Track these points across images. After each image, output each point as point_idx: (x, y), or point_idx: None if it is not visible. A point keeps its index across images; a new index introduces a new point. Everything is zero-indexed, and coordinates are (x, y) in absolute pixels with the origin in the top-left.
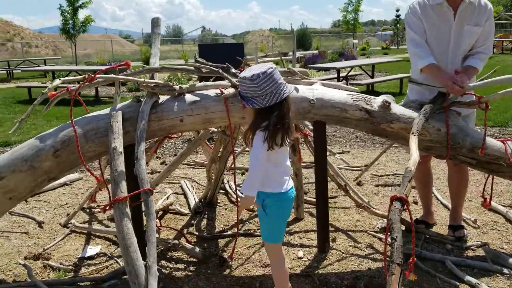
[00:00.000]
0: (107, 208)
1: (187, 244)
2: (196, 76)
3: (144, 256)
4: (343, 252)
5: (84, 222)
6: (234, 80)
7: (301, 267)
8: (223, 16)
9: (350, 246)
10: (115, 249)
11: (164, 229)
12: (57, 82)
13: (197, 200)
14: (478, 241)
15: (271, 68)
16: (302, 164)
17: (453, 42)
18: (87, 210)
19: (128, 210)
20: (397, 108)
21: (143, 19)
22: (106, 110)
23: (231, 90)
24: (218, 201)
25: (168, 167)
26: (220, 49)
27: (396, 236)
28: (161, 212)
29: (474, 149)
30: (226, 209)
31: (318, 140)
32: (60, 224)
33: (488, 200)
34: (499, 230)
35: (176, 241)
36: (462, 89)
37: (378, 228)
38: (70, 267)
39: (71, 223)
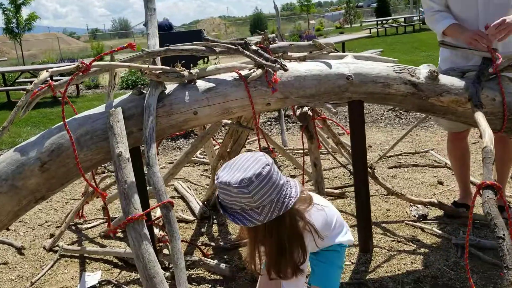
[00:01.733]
0: (117, 230)
1: (208, 259)
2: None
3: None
4: (388, 250)
5: (73, 242)
6: (258, 58)
7: (348, 273)
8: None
9: (393, 241)
10: (119, 273)
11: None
12: (44, 75)
13: (200, 203)
14: None
15: (267, 164)
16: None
17: (481, 3)
18: (73, 228)
19: (146, 230)
20: (445, 79)
21: (86, 14)
22: (100, 108)
23: (258, 72)
24: None
25: (172, 169)
26: (181, 37)
27: (503, 234)
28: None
29: None
30: None
31: (356, 122)
32: (45, 248)
33: None
34: None
35: (196, 258)
36: (488, 45)
37: (415, 216)
38: None
39: (58, 245)
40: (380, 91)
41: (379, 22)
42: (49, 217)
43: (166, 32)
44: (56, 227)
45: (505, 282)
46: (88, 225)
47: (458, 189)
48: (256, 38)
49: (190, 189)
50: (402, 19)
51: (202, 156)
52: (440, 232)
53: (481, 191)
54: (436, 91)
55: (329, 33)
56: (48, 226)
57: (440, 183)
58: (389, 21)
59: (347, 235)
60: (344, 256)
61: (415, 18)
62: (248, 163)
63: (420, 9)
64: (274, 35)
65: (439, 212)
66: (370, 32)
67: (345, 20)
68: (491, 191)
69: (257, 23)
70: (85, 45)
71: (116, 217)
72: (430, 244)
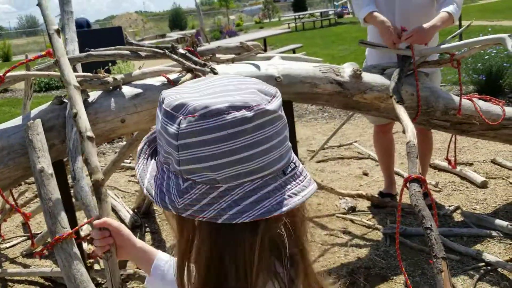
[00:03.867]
0: (44, 251)
1: (143, 271)
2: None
3: None
4: (322, 244)
5: None
6: (187, 62)
7: None
8: (81, 2)
9: (326, 235)
10: None
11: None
12: None
13: (130, 211)
14: (450, 205)
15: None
16: None
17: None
18: None
19: (76, 249)
20: (368, 76)
21: None
22: (16, 121)
23: (187, 76)
24: (154, 208)
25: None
26: (100, 35)
27: (431, 225)
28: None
29: (448, 110)
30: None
31: (288, 120)
32: None
33: (453, 161)
34: (461, 190)
35: (131, 271)
36: (396, 43)
37: (345, 209)
38: None
39: None
40: (308, 91)
41: (297, 17)
42: None
43: (85, 30)
44: None
45: (435, 270)
46: (8, 244)
47: (383, 179)
48: (176, 34)
49: (118, 197)
50: (319, 14)
51: (129, 161)
52: (369, 222)
53: (407, 184)
54: (360, 88)
55: (249, 28)
56: None
57: (365, 174)
58: (306, 15)
59: None
60: None
61: (331, 12)
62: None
63: (334, 3)
64: (194, 31)
65: (366, 203)
66: (289, 27)
67: (264, 15)
68: (417, 184)
69: (176, 18)
70: None
71: (38, 233)
72: (360, 235)
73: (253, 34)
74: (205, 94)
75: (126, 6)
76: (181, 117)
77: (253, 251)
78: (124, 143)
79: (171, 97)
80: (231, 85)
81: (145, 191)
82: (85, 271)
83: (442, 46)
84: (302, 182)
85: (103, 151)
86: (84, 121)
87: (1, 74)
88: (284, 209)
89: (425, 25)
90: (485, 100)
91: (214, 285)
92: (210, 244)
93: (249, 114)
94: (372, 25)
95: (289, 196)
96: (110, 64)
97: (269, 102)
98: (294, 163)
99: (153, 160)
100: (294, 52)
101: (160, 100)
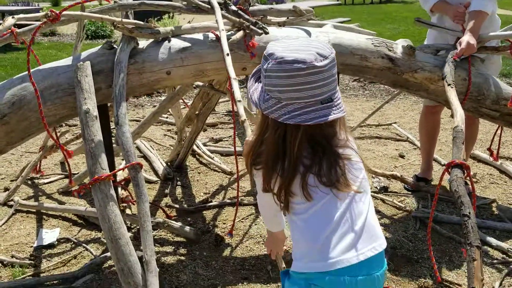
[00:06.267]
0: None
1: (172, 221)
2: None
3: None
4: None
5: (29, 197)
6: (237, 19)
7: None
8: None
9: None
10: (79, 231)
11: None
12: (10, 21)
13: (163, 164)
14: (486, 198)
15: (325, 58)
16: None
17: None
18: (29, 182)
19: (113, 191)
20: (421, 55)
21: None
22: (66, 60)
23: (238, 35)
24: (187, 163)
25: (138, 128)
26: None
27: (469, 212)
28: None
29: (499, 100)
30: (199, 173)
31: None
32: None
33: (495, 153)
34: (498, 184)
35: (160, 219)
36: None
37: (377, 188)
38: (28, 261)
39: (13, 200)
40: (358, 63)
41: None
42: (3, 170)
43: None
44: (11, 181)
45: (468, 258)
46: (45, 181)
47: (419, 163)
48: None
49: (153, 149)
50: None
51: (166, 116)
52: (400, 204)
53: (449, 169)
54: (411, 67)
55: None
56: (2, 179)
57: (402, 156)
58: None
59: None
60: None
61: None
62: (312, 45)
63: None
64: None
65: (399, 185)
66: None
67: None
68: (459, 170)
69: None
70: None
71: (75, 174)
72: (390, 216)
73: (301, 3)
74: (287, 49)
75: None
76: (270, 60)
77: (296, 139)
78: (164, 97)
79: (270, 47)
80: (302, 46)
81: (250, 97)
82: (119, 213)
83: (503, 33)
84: (333, 110)
85: (142, 104)
86: None
87: (58, 12)
88: (310, 122)
89: (465, 39)
90: None
91: (274, 156)
92: (273, 131)
93: (303, 66)
94: (440, 13)
95: (319, 116)
96: (153, 18)
97: (321, 61)
98: (332, 99)
99: (257, 82)
100: None
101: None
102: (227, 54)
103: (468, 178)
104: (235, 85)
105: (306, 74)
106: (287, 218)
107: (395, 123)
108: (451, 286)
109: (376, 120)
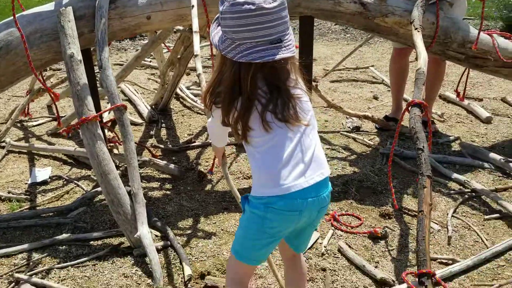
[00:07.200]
0: (70, 130)
1: (158, 160)
2: None
3: None
4: None
5: (20, 139)
6: None
7: None
8: None
9: (328, 148)
10: (69, 169)
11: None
12: None
13: (148, 107)
14: (451, 135)
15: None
16: None
17: None
18: (18, 125)
19: (100, 131)
20: (392, 0)
21: None
22: (49, 6)
23: None
24: (171, 106)
25: (121, 71)
26: None
27: (423, 146)
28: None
29: (465, 43)
30: (183, 115)
31: (305, 37)
32: None
33: (462, 94)
34: (464, 123)
35: (146, 158)
36: None
37: (349, 127)
38: (24, 196)
39: (5, 141)
40: (331, 8)
41: None
42: None
43: None
44: (0, 123)
45: (419, 185)
46: (34, 123)
47: (391, 104)
48: None
49: (137, 92)
50: None
51: (149, 60)
52: (370, 142)
53: (409, 108)
54: (382, 11)
55: None
56: None
57: (376, 98)
58: None
59: (272, 188)
60: (253, 218)
61: None
62: None
63: None
64: None
65: (371, 125)
66: None
67: None
68: (418, 109)
69: None
70: None
71: (62, 117)
72: (360, 153)
73: None
74: None
75: None
76: (225, 2)
77: (248, 76)
78: (147, 41)
79: None
80: None
81: (212, 40)
82: (107, 151)
83: None
84: (281, 50)
85: (124, 47)
86: None
87: None
88: (259, 60)
89: None
90: (506, 38)
91: (231, 93)
92: (230, 70)
93: (252, 7)
94: None
95: (268, 55)
96: None
97: (270, 3)
98: (282, 40)
99: (219, 27)
100: None
101: None
102: (192, 6)
103: (426, 116)
104: (196, 39)
105: (255, 15)
106: (247, 151)
107: (372, 66)
108: (407, 211)
109: (355, 64)
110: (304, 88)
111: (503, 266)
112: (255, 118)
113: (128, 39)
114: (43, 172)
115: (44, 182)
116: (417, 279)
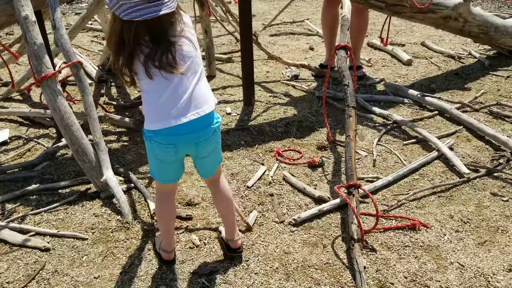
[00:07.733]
0: (31, 87)
1: (113, 115)
2: None
3: None
4: (266, 103)
5: None
6: None
7: (233, 122)
8: None
9: (270, 96)
10: (27, 130)
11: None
12: None
13: (96, 68)
14: (376, 78)
15: None
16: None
17: None
18: None
19: (59, 87)
20: None
21: None
22: None
23: None
24: None
25: (69, 32)
26: None
27: (348, 83)
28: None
29: None
30: None
31: None
32: None
33: (385, 40)
34: (389, 66)
35: (101, 113)
36: None
37: (289, 76)
38: None
39: None
40: None
41: None
42: None
43: None
44: None
45: (346, 115)
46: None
47: (325, 53)
48: None
49: (83, 54)
50: None
51: (90, 23)
52: (307, 88)
53: (337, 51)
54: None
55: None
56: None
57: (311, 48)
58: None
59: (152, 124)
60: (147, 148)
61: None
62: None
63: None
64: None
65: (308, 73)
66: None
67: None
68: (343, 51)
69: None
70: None
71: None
72: (298, 98)
73: None
74: None
75: None
76: None
77: (130, 32)
78: (85, 4)
79: None
80: None
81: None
82: (68, 105)
83: None
84: (161, 8)
85: (63, 12)
86: None
87: None
88: (139, 18)
89: None
90: None
91: (118, 44)
92: (117, 26)
93: None
94: None
95: (147, 13)
96: None
97: None
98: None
99: None
100: None
101: None
102: None
103: (350, 57)
104: None
105: None
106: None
107: (307, 19)
108: (339, 143)
109: (291, 18)
110: (191, 37)
111: (417, 179)
112: (138, 64)
113: (65, 4)
114: (1, 133)
115: (4, 143)
116: (346, 190)
